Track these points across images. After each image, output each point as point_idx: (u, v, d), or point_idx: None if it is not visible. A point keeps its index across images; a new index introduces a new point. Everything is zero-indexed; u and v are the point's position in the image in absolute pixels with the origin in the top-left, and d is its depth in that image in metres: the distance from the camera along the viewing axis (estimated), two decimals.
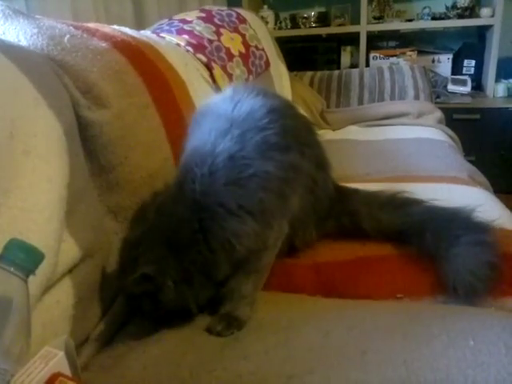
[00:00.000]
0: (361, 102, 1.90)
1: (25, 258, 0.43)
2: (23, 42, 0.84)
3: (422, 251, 0.79)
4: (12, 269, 0.42)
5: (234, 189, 0.68)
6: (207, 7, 1.74)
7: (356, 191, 0.94)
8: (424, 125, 1.71)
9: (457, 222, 0.80)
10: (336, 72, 2.13)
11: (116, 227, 0.86)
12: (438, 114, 1.79)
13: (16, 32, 0.86)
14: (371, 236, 0.87)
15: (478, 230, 0.77)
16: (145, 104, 0.96)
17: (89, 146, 0.84)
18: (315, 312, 0.70)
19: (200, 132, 0.76)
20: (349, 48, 2.77)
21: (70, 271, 0.65)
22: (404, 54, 2.60)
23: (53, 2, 1.53)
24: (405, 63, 2.33)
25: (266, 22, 2.54)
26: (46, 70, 0.79)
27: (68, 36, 0.89)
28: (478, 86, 2.63)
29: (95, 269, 0.71)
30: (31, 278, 0.46)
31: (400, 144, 1.51)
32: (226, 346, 0.63)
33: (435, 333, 0.61)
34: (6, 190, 0.56)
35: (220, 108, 0.78)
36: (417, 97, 1.86)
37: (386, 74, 1.97)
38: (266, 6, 2.79)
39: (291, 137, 0.76)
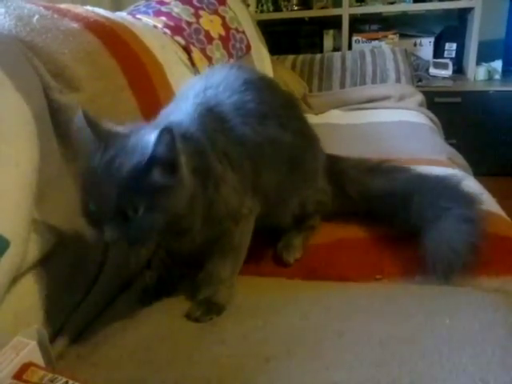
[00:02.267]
0: (343, 86, 1.89)
1: None
2: None
3: (406, 222, 0.78)
4: None
5: (219, 136, 0.67)
6: None
7: (345, 157, 0.94)
8: (405, 108, 1.71)
9: (445, 192, 0.79)
10: (318, 56, 2.11)
11: None
12: (419, 97, 1.80)
13: None
14: (355, 201, 0.86)
15: (466, 205, 0.76)
16: (120, 87, 0.94)
17: (62, 130, 0.81)
18: (294, 295, 0.69)
19: (175, 104, 0.74)
20: (331, 32, 2.74)
21: (43, 260, 0.63)
22: (386, 37, 2.59)
23: None
24: (387, 47, 2.32)
25: (248, 5, 2.50)
26: (14, 52, 0.76)
27: (37, 16, 0.86)
28: (459, 69, 2.64)
29: (70, 257, 0.70)
30: None
31: (382, 127, 1.51)
32: (204, 331, 0.62)
33: (412, 312, 0.61)
34: None
35: (195, 84, 0.76)
36: (398, 80, 1.85)
37: (368, 58, 1.96)
38: None
39: (269, 107, 0.74)
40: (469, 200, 0.77)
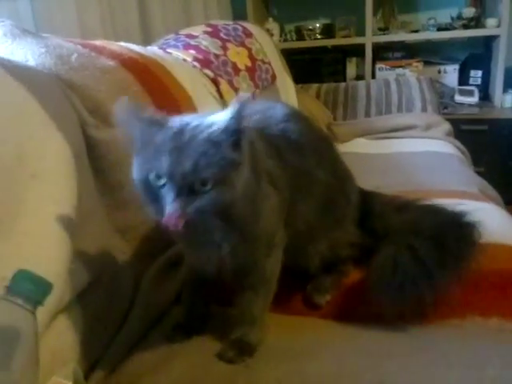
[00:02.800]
0: (368, 115, 1.89)
1: (33, 289, 0.42)
2: (31, 62, 0.84)
3: None
4: (20, 301, 0.41)
5: (266, 156, 0.66)
6: (213, 21, 1.75)
7: (378, 194, 0.92)
8: (432, 137, 1.70)
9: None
10: (342, 84, 2.12)
11: (124, 246, 0.85)
12: (447, 126, 1.78)
13: (24, 52, 0.86)
14: (380, 235, 0.84)
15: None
16: None
17: (97, 164, 0.83)
18: (328, 337, 0.68)
19: None
20: (354, 59, 2.76)
21: (79, 296, 0.63)
22: (410, 64, 2.59)
23: (60, 18, 1.54)
24: (411, 75, 2.32)
25: (272, 35, 2.55)
26: (55, 90, 0.79)
27: (76, 55, 0.89)
28: (485, 96, 2.61)
29: (103, 292, 0.70)
30: (39, 308, 0.45)
31: (409, 157, 1.50)
32: (238, 374, 0.61)
33: (454, 359, 0.59)
34: (14, 216, 0.55)
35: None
36: (424, 109, 1.84)
37: (393, 86, 1.96)
38: (271, 19, 2.80)
39: (308, 142, 0.75)
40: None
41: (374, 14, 2.57)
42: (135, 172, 0.57)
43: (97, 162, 0.83)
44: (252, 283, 0.69)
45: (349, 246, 0.81)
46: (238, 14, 2.60)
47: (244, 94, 0.55)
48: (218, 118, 0.56)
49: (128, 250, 0.85)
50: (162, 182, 0.54)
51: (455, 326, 0.70)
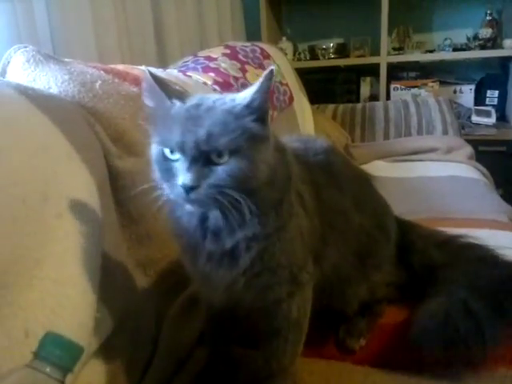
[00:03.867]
0: (387, 137, 1.85)
1: (62, 355, 0.38)
2: (54, 89, 0.82)
3: None
4: (48, 369, 0.37)
5: (299, 180, 0.62)
6: (231, 43, 1.73)
7: (415, 225, 0.87)
8: (454, 161, 1.65)
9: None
10: (359, 105, 2.09)
11: (145, 281, 0.81)
12: (468, 149, 1.74)
13: (47, 78, 0.83)
14: (418, 274, 0.80)
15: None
16: None
17: (120, 195, 0.80)
18: None
19: None
20: (368, 79, 2.73)
21: (102, 345, 0.59)
22: (426, 84, 2.56)
23: (78, 41, 1.53)
24: (428, 95, 2.29)
25: (285, 54, 2.54)
26: (78, 120, 0.77)
27: (99, 82, 0.87)
28: (502, 116, 2.57)
29: (127, 339, 0.66)
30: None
31: (433, 182, 1.45)
32: None
33: None
34: (38, 260, 0.51)
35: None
36: (445, 131, 1.81)
37: (412, 108, 1.93)
38: (284, 38, 2.80)
39: (346, 180, 0.71)
40: None
41: (389, 33, 2.56)
42: (152, 149, 0.54)
43: (118, 193, 0.80)
44: (276, 328, 0.63)
45: (386, 286, 0.77)
46: (252, 34, 2.60)
47: (269, 68, 0.51)
48: (242, 94, 0.53)
49: (149, 286, 0.81)
50: (177, 155, 0.51)
51: (503, 375, 0.65)
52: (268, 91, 0.52)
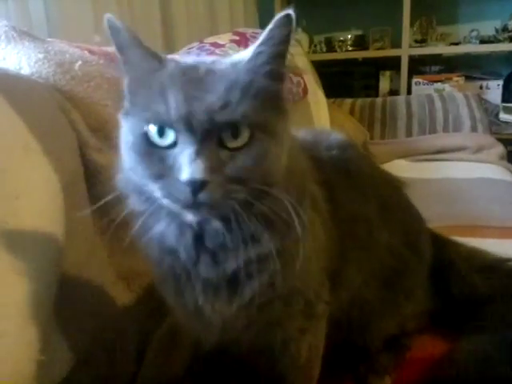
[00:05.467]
0: (409, 134, 1.71)
1: None
2: (25, 70, 0.70)
3: None
4: None
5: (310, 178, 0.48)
6: (241, 29, 1.60)
7: (454, 243, 0.74)
8: (484, 161, 1.50)
9: None
10: (379, 99, 1.95)
11: (128, 297, 0.69)
12: (500, 148, 1.59)
13: (18, 57, 0.72)
14: (457, 303, 0.67)
15: None
16: None
17: (97, 192, 0.67)
18: None
19: None
20: (388, 73, 2.59)
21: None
22: (450, 79, 2.40)
23: (76, 27, 1.44)
24: (454, 90, 2.13)
25: (300, 46, 2.41)
26: (49, 106, 0.64)
27: (80, 62, 0.74)
28: None
29: (104, 354, 0.54)
30: None
31: (462, 185, 1.31)
32: None
33: None
34: None
35: None
36: (474, 129, 1.65)
37: (437, 103, 1.77)
38: (299, 29, 2.66)
39: (369, 181, 0.58)
40: None
41: (411, 24, 2.40)
42: (126, 132, 0.39)
43: (96, 189, 0.68)
44: (282, 373, 0.51)
45: (418, 315, 0.63)
46: (265, 23, 2.46)
47: (284, 12, 0.38)
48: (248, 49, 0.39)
49: (133, 303, 0.68)
50: (171, 137, 0.36)
51: None
52: (284, 42, 0.38)
